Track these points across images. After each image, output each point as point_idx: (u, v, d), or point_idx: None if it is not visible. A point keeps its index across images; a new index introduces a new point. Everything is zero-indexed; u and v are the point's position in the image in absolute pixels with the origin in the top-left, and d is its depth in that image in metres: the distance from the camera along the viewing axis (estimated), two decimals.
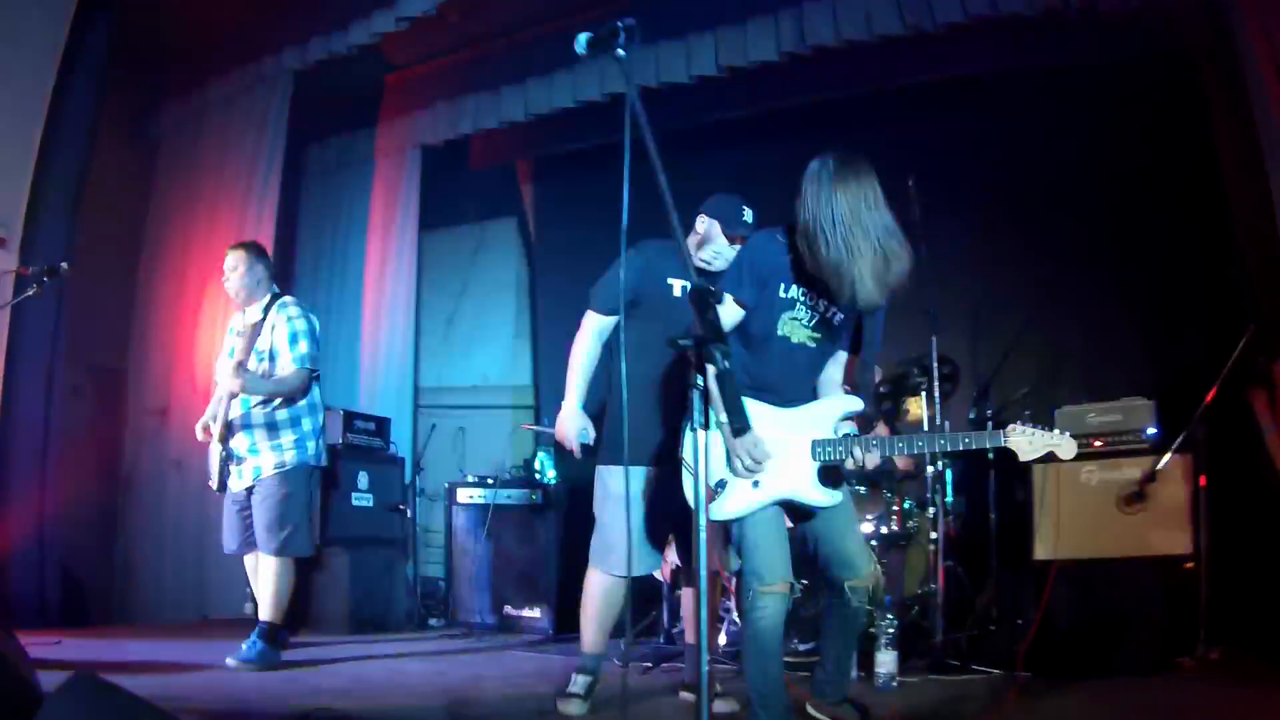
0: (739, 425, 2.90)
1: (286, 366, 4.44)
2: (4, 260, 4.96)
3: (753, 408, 2.99)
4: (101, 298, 6.86)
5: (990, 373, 5.14)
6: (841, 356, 3.26)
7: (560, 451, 4.43)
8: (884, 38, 5.61)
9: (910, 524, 4.94)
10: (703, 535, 2.22)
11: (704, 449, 2.26)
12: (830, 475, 3.04)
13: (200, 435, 4.54)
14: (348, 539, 5.85)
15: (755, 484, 2.98)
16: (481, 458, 7.15)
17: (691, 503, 2.96)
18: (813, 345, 3.12)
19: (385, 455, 6.33)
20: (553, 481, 6.13)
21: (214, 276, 6.93)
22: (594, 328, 3.70)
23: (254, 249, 4.65)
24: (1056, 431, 2.91)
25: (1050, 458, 2.90)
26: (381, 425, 6.35)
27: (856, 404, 3.11)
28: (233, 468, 4.45)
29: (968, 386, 5.32)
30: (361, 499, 6.01)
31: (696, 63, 6.22)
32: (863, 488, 4.99)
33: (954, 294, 5.53)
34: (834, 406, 3.12)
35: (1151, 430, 4.47)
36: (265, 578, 4.43)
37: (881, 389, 5.26)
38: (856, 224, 2.87)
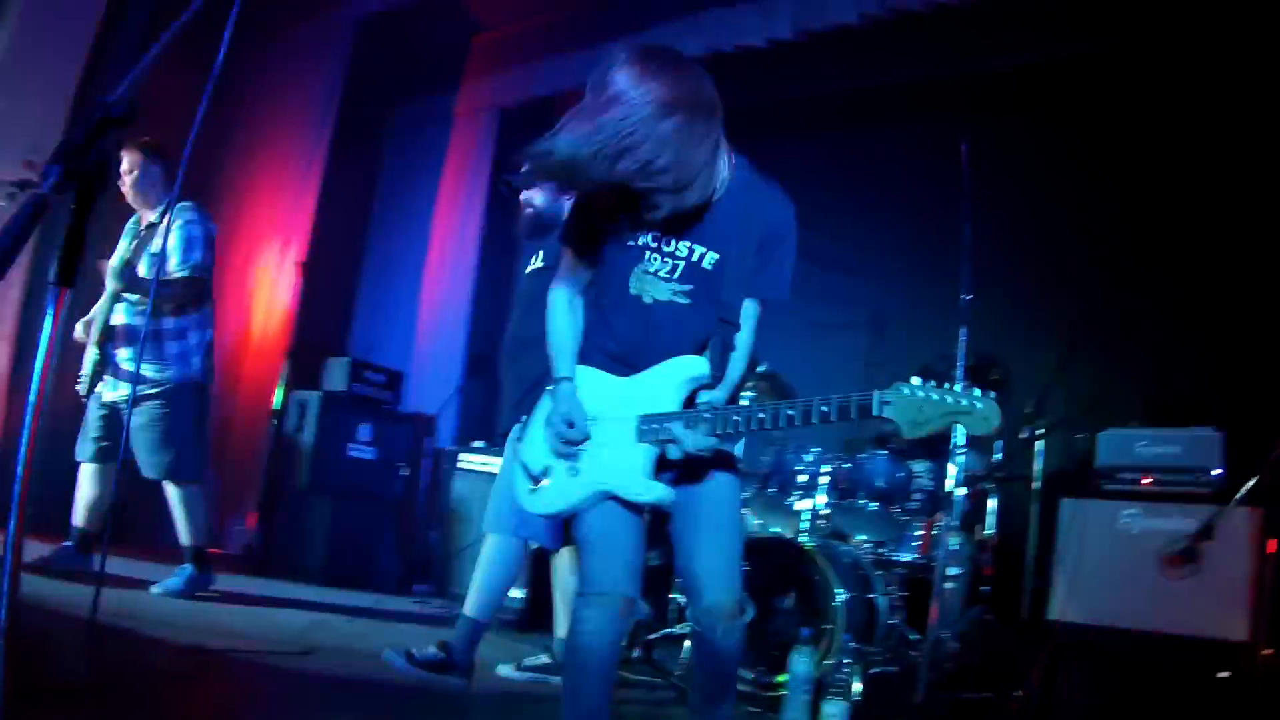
0: (551, 389, 2.41)
1: (175, 272, 4.14)
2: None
3: (584, 375, 2.40)
4: None
5: (1043, 383, 4.29)
6: (752, 309, 2.41)
7: None
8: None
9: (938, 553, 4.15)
10: None
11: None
12: (673, 463, 2.31)
13: (79, 334, 4.25)
14: (335, 488, 5.58)
15: (574, 471, 2.36)
16: None
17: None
18: (685, 302, 2.35)
19: (395, 411, 6.03)
20: None
21: (265, 225, 6.98)
22: None
23: (150, 149, 4.28)
24: (974, 392, 2.03)
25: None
26: (394, 379, 6.08)
27: (701, 365, 2.33)
28: (108, 375, 4.17)
29: (1022, 395, 4.46)
30: (360, 450, 5.74)
31: (773, 25, 5.68)
32: (873, 504, 4.27)
33: (999, 286, 4.71)
34: (675, 370, 2.35)
35: (1216, 471, 3.55)
36: (173, 505, 4.18)
37: None
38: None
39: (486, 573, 3.52)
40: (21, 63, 5.01)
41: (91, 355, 4.16)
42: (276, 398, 5.90)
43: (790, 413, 2.16)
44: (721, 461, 2.37)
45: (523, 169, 3.22)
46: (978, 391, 2.04)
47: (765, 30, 5.75)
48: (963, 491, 4.02)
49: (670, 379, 2.33)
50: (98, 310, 4.21)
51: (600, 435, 2.34)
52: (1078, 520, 3.73)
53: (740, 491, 2.51)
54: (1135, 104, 5.10)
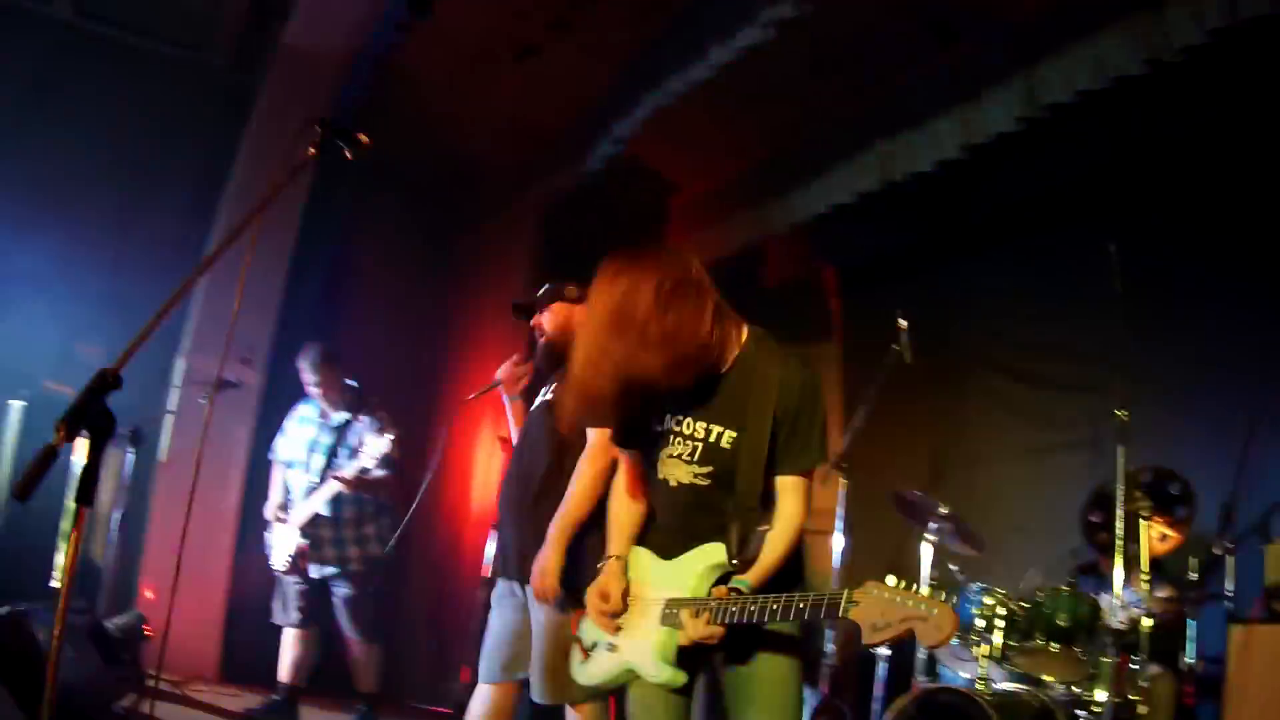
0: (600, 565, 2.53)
1: (374, 470, 4.77)
2: (251, 379, 5.88)
3: (637, 555, 2.50)
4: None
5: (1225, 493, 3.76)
6: (789, 483, 2.39)
7: None
8: None
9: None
10: None
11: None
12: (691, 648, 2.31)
13: (271, 514, 4.97)
14: None
15: (611, 647, 2.45)
16: None
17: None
18: (705, 484, 2.40)
19: None
20: None
21: (476, 404, 7.53)
22: None
23: (329, 358, 5.05)
24: (929, 595, 1.97)
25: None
26: None
27: (719, 553, 2.35)
28: (309, 554, 4.87)
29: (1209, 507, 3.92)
30: None
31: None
32: (1056, 643, 3.87)
33: (1165, 391, 4.19)
34: (700, 558, 2.38)
35: None
36: (359, 658, 5.00)
37: (1091, 518, 4.09)
38: None
39: None
40: (232, 268, 5.88)
41: (291, 536, 4.86)
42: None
43: (774, 608, 2.16)
44: (777, 642, 2.36)
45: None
46: (940, 596, 1.98)
47: (931, 154, 5.65)
48: (1149, 622, 3.57)
49: (696, 565, 2.39)
50: (297, 497, 4.93)
51: (637, 614, 2.43)
52: (1242, 649, 3.17)
53: (798, 671, 2.42)
54: None
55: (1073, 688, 3.87)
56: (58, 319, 5.47)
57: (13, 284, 5.23)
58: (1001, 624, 3.96)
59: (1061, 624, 3.89)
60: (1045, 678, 3.94)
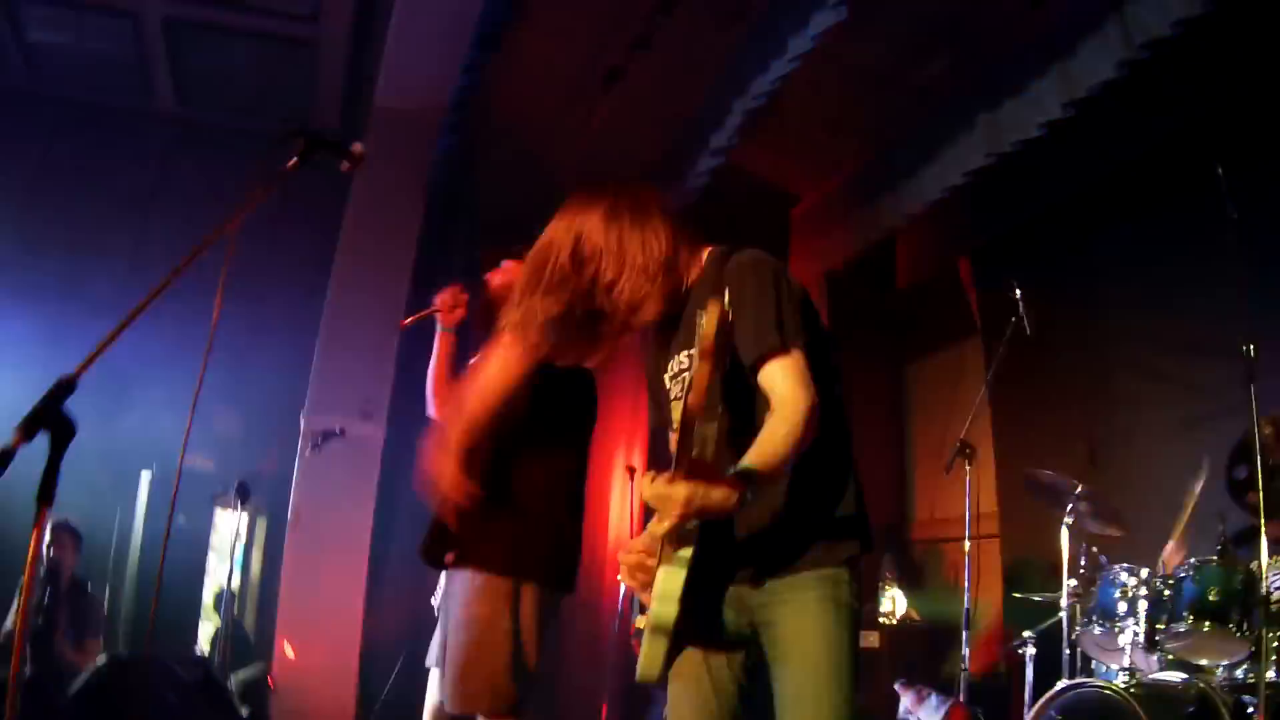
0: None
1: None
2: (371, 432, 6.05)
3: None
4: None
5: None
6: (764, 374, 2.00)
7: None
8: None
9: None
10: None
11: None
12: (706, 579, 1.94)
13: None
14: None
15: (643, 615, 2.08)
16: None
17: None
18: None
19: None
20: None
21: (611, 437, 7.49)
22: None
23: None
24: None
25: None
26: None
27: None
28: None
29: None
30: None
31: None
32: (1206, 625, 3.44)
33: None
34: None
35: None
36: None
37: (1236, 475, 3.65)
38: None
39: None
40: (347, 329, 6.10)
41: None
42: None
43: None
44: (817, 593, 1.99)
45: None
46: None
47: (1035, 117, 5.30)
48: None
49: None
50: None
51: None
52: None
53: (845, 625, 2.01)
54: None
55: (1235, 670, 3.42)
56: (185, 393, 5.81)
57: (148, 367, 5.50)
58: (1145, 605, 3.56)
59: (1213, 600, 3.44)
60: (1201, 661, 3.51)
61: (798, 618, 2.01)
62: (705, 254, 2.23)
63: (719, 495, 1.76)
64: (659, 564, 1.91)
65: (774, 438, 1.88)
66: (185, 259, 2.25)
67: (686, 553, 1.88)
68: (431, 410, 3.40)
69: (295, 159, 2.35)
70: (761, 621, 2.06)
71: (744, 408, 2.02)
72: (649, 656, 1.91)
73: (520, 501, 2.93)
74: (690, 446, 1.84)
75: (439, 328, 3.40)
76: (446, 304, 3.33)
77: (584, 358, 2.27)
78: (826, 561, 2.03)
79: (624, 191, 2.19)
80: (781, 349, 1.96)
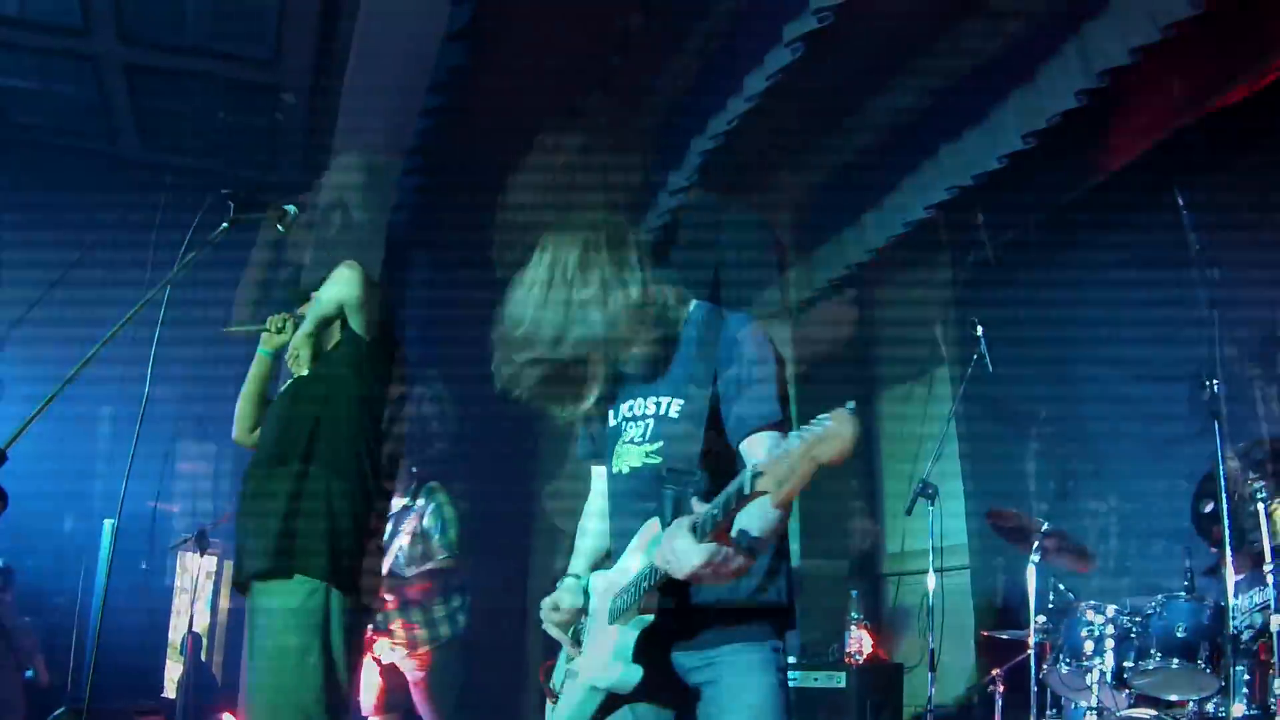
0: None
1: (438, 550, 4.76)
2: None
3: (593, 579, 2.28)
4: None
5: None
6: (756, 439, 2.04)
7: None
8: None
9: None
10: None
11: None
12: (652, 642, 2.02)
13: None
14: None
15: (573, 674, 2.21)
16: None
17: None
18: (658, 461, 2.15)
19: None
20: None
21: None
22: None
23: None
24: (819, 428, 1.56)
25: None
26: None
27: (653, 526, 2.06)
28: (381, 638, 4.75)
29: None
30: None
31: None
32: (1175, 660, 3.40)
33: None
34: (636, 542, 2.11)
35: None
36: None
37: (1203, 509, 3.62)
38: None
39: None
40: None
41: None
42: None
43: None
44: (747, 656, 2.06)
45: None
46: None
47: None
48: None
49: (633, 553, 2.12)
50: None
51: (593, 636, 2.19)
52: None
53: (773, 686, 2.08)
54: None
55: (1205, 705, 3.37)
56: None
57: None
58: (1111, 643, 3.52)
59: (1181, 635, 3.41)
60: (1171, 697, 3.46)
61: (742, 675, 2.07)
62: (693, 304, 2.29)
63: (738, 564, 1.80)
64: (610, 621, 2.04)
65: (794, 458, 1.84)
66: (116, 326, 2.25)
67: (647, 617, 1.97)
68: (235, 433, 3.31)
69: (226, 225, 2.34)
70: (703, 682, 2.10)
71: (722, 470, 2.01)
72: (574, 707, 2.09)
73: None
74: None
75: (260, 349, 3.31)
76: (275, 326, 3.24)
77: (578, 401, 2.24)
78: (765, 636, 2.12)
79: (601, 227, 2.21)
80: (779, 421, 2.04)
